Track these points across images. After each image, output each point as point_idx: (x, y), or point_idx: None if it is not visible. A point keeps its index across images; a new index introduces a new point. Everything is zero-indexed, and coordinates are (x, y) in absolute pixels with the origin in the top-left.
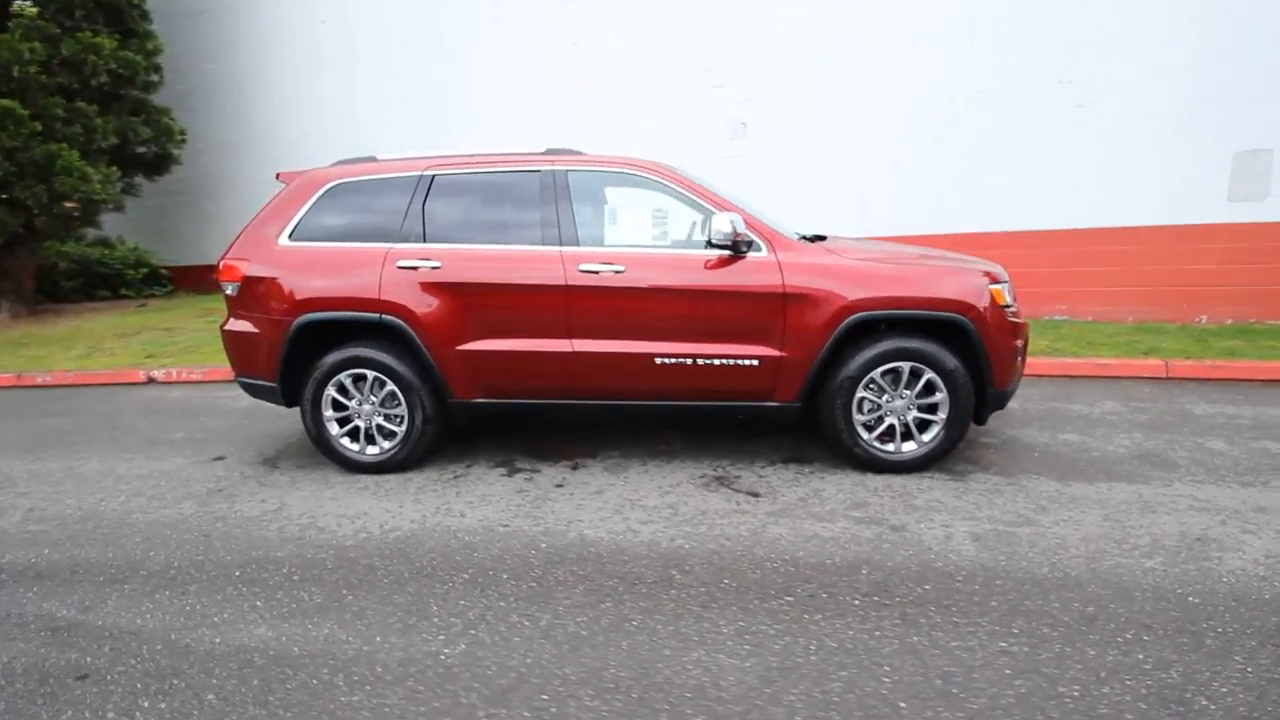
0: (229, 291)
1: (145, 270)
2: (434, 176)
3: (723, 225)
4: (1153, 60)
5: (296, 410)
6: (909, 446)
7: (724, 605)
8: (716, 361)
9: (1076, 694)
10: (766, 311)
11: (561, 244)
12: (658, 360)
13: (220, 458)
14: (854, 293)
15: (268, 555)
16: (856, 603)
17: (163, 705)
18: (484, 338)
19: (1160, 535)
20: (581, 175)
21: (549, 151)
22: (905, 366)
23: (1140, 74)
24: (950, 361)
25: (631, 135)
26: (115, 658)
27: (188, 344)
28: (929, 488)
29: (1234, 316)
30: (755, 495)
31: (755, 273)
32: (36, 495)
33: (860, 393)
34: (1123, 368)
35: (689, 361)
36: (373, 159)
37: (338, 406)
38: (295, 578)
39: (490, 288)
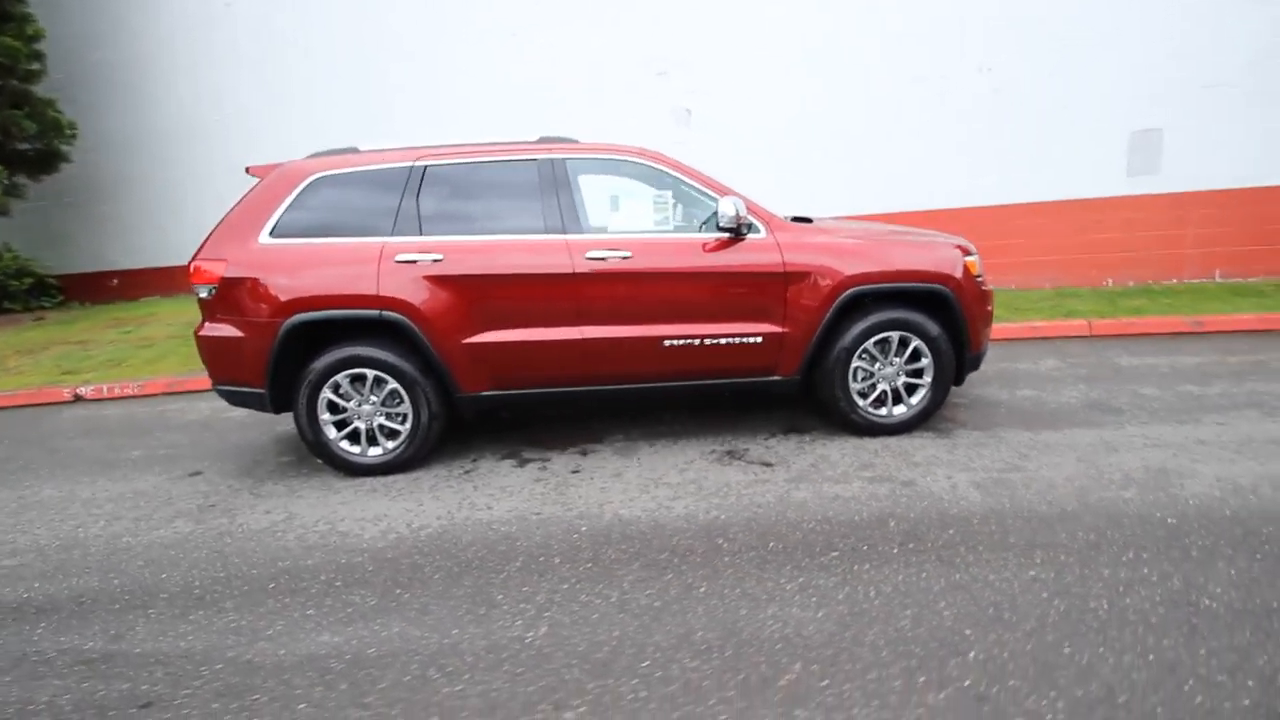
0: (203, 295)
1: (30, 280)
2: (426, 167)
3: (728, 209)
4: (1059, 48)
5: (265, 418)
6: (899, 410)
7: (778, 565)
8: (722, 341)
9: (1106, 606)
10: (768, 290)
11: (565, 232)
12: (666, 343)
13: (197, 473)
14: (850, 268)
15: (297, 565)
16: (895, 551)
17: None
18: (491, 329)
19: (1128, 470)
20: (580, 163)
21: (542, 140)
22: (895, 336)
23: (1048, 61)
24: (934, 329)
25: (586, 128)
26: (175, 682)
27: (108, 357)
28: (922, 445)
29: (1135, 279)
30: (768, 465)
31: (756, 253)
32: (6, 526)
33: (855, 362)
34: (1052, 329)
35: (696, 342)
36: (354, 150)
37: (334, 409)
38: (337, 584)
39: (496, 279)
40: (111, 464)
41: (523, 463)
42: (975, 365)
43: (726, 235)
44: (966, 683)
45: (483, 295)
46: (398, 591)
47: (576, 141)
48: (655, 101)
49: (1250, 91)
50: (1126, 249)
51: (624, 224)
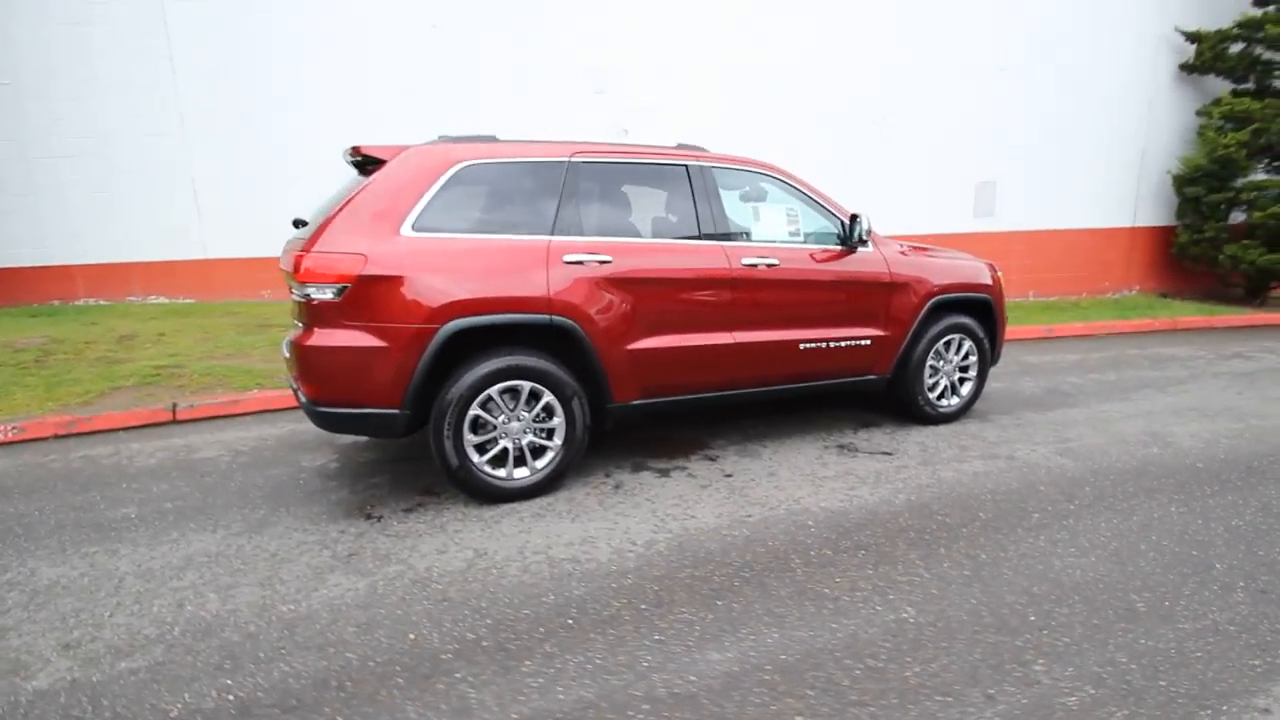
0: (327, 296)
1: None
2: (581, 164)
3: (864, 223)
4: (931, 109)
5: (264, 453)
6: (955, 401)
7: (1010, 530)
8: (843, 344)
9: (1240, 523)
10: (877, 297)
11: (719, 238)
12: (801, 346)
13: (268, 524)
14: (935, 280)
15: (566, 598)
16: (1072, 507)
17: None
18: (654, 335)
19: (1134, 434)
20: (724, 172)
21: (680, 146)
22: (956, 338)
23: (923, 119)
24: (980, 331)
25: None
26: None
27: None
28: (981, 430)
29: None
30: (889, 454)
31: (869, 264)
32: (51, 622)
33: (930, 361)
34: None
35: (825, 345)
36: (493, 138)
37: (474, 428)
38: (642, 607)
39: (664, 283)
40: (107, 527)
41: (663, 473)
42: (995, 361)
43: (843, 247)
44: (1241, 583)
45: (650, 299)
46: (719, 604)
47: (706, 150)
48: (594, 115)
49: (1051, 158)
50: None
51: (765, 233)
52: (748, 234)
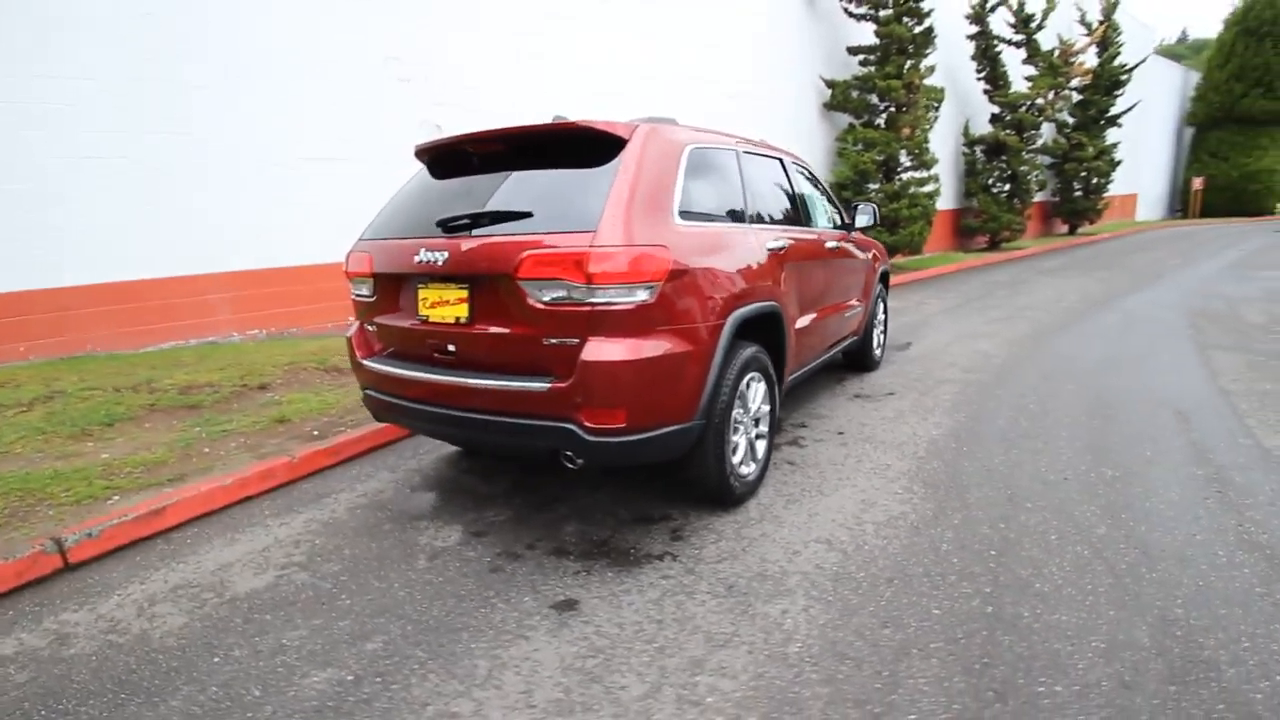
0: (639, 298)
1: None
2: (743, 153)
3: (872, 211)
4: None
5: (345, 550)
6: (879, 351)
7: (1051, 416)
8: (852, 312)
9: (1140, 384)
10: (866, 272)
11: (808, 224)
12: (846, 315)
13: (562, 612)
14: (880, 257)
15: (950, 548)
16: (1046, 392)
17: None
18: (801, 314)
19: (971, 354)
20: (792, 166)
21: (760, 141)
22: (880, 302)
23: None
24: (886, 295)
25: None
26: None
27: None
28: (903, 368)
29: None
30: (893, 394)
31: (858, 244)
32: None
33: (878, 325)
34: None
35: (849, 314)
36: (674, 122)
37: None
38: (1012, 536)
39: (809, 266)
40: (344, 706)
41: (796, 444)
42: None
43: (842, 230)
44: (1234, 387)
45: (801, 281)
46: (1031, 520)
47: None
48: (399, 109)
49: None
50: None
51: (819, 219)
52: (816, 221)
